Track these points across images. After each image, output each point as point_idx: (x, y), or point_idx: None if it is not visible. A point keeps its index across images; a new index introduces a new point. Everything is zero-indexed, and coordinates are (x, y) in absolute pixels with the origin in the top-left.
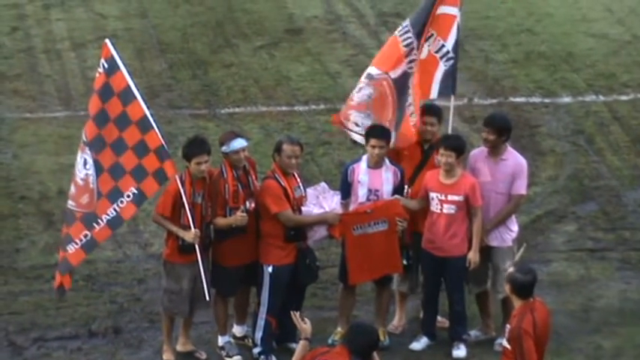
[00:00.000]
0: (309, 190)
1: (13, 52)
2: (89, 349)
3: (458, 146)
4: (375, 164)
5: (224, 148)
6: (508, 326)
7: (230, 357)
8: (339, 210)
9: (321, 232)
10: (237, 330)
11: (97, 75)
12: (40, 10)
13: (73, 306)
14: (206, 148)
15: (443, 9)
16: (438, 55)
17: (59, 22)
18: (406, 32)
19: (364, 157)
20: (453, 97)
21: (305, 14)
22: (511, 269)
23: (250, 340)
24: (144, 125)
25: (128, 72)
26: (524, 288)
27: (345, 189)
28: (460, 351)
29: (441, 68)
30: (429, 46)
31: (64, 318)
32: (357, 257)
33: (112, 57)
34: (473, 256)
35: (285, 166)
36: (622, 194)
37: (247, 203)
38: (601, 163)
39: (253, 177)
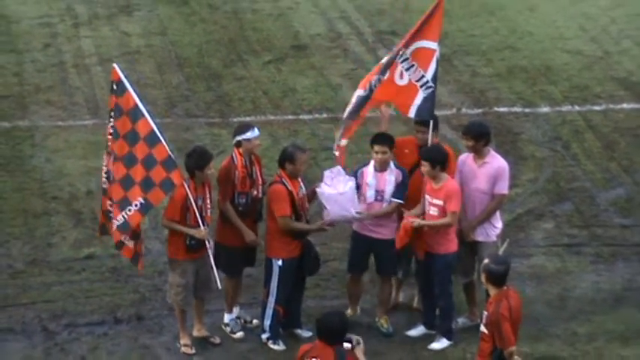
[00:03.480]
0: (326, 172)
1: (46, 67)
2: (114, 334)
3: (431, 157)
4: (381, 167)
5: (242, 137)
6: (485, 313)
7: (234, 333)
8: (352, 193)
9: (333, 212)
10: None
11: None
12: (70, 29)
13: (100, 295)
14: (211, 155)
15: (423, 43)
16: (418, 84)
17: (87, 40)
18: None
19: (372, 162)
20: (431, 123)
21: (309, 32)
22: (485, 261)
23: (242, 320)
24: (151, 140)
25: (135, 92)
26: (498, 277)
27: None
28: (438, 343)
29: (421, 94)
30: (409, 75)
31: (92, 306)
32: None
33: (120, 80)
34: (415, 220)
35: (296, 172)
36: (595, 195)
37: (252, 190)
38: (576, 167)
39: (258, 169)
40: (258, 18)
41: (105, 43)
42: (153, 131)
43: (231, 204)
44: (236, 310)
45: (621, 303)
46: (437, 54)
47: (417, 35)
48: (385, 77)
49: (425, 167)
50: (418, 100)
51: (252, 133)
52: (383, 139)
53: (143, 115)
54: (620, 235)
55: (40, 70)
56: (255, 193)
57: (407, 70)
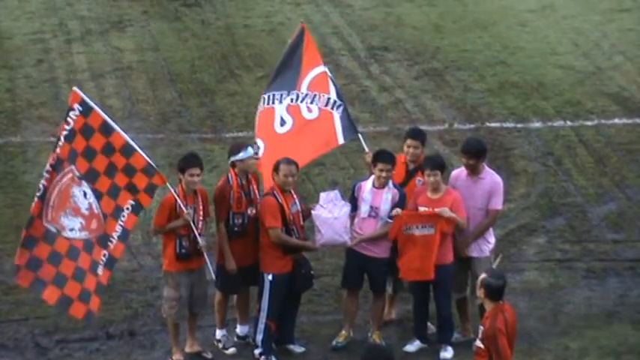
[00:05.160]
0: (322, 194)
1: (38, 82)
2: (107, 350)
3: (441, 164)
4: (380, 185)
5: (234, 157)
6: (481, 327)
7: (226, 349)
8: (346, 218)
9: (327, 236)
10: (240, 330)
11: (74, 118)
12: (62, 45)
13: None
14: (199, 162)
15: (312, 73)
16: (328, 108)
17: (80, 55)
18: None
19: (372, 177)
20: (360, 135)
21: None
22: (484, 275)
23: (252, 340)
24: (127, 151)
25: (101, 109)
26: (496, 291)
27: (353, 203)
28: (447, 352)
29: (337, 117)
30: (317, 104)
31: (84, 322)
32: (404, 255)
33: (83, 100)
34: (447, 212)
35: (282, 184)
36: (587, 210)
37: (249, 210)
38: (568, 182)
39: (255, 187)
40: (250, 33)
41: (97, 59)
42: (127, 143)
43: (227, 225)
44: (243, 329)
45: (613, 318)
46: (328, 74)
47: (303, 72)
48: (292, 125)
49: (436, 176)
50: (337, 124)
51: (245, 154)
52: (387, 157)
53: (114, 130)
54: (612, 250)
55: (33, 85)
56: (252, 212)
57: (312, 102)
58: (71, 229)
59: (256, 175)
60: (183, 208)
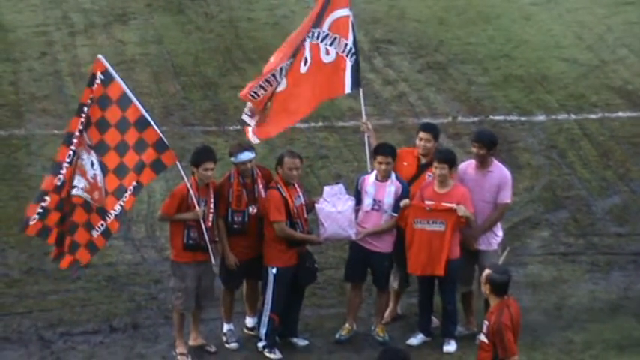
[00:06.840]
0: (327, 188)
1: (42, 75)
2: (110, 343)
3: (450, 159)
4: (382, 178)
5: (232, 159)
6: (486, 322)
7: (228, 344)
8: (350, 213)
9: (330, 230)
10: (249, 321)
11: (95, 86)
12: (66, 37)
13: (96, 304)
14: (213, 156)
15: (336, 14)
16: (344, 54)
17: (83, 48)
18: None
19: (375, 171)
20: (361, 90)
21: None
22: (488, 271)
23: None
24: (141, 124)
25: (122, 79)
26: (500, 286)
27: (357, 197)
28: (450, 346)
29: (349, 65)
30: (335, 48)
31: (88, 315)
32: (413, 249)
33: (107, 70)
34: (463, 211)
35: (286, 177)
36: (591, 203)
37: (250, 208)
38: (572, 176)
39: (260, 186)
40: (254, 26)
41: (101, 52)
42: (142, 116)
43: (226, 221)
44: (251, 320)
45: (617, 311)
46: (351, 19)
47: (328, 9)
48: (309, 65)
49: (443, 170)
50: (348, 72)
51: (243, 156)
52: (386, 150)
53: (132, 102)
54: (616, 243)
55: (36, 78)
56: (254, 210)
57: (331, 45)
58: (74, 187)
59: (269, 174)
60: (196, 204)
